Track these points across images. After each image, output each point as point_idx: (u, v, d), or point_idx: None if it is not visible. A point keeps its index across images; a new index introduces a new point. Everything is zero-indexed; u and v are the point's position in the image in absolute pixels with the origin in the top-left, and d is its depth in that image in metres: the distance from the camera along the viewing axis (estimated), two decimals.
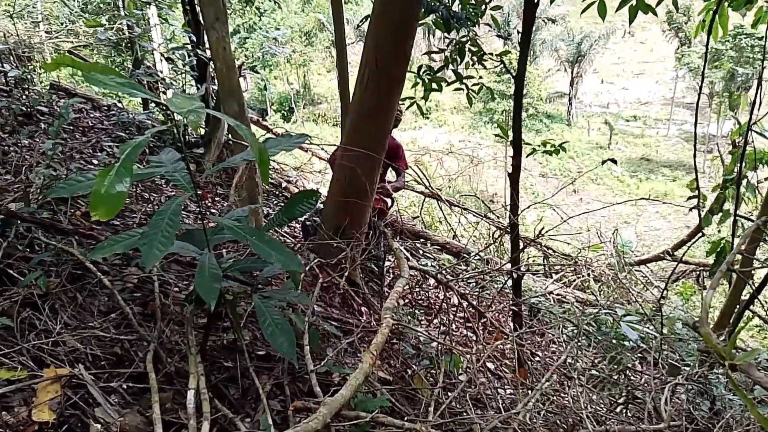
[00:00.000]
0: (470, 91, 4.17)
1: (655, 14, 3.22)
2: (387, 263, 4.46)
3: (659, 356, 3.00)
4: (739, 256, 3.16)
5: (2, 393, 1.79)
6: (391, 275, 4.67)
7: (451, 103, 50.01)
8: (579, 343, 3.19)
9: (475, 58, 4.01)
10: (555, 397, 2.59)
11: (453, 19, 3.55)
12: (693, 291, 7.00)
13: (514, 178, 3.42)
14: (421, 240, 6.43)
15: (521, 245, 3.86)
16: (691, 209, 4.30)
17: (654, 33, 62.62)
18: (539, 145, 3.76)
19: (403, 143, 4.93)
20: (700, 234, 3.25)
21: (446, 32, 3.56)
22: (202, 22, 5.23)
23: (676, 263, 6.36)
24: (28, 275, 2.37)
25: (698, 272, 7.41)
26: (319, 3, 49.73)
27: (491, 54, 3.96)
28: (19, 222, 2.67)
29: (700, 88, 3.48)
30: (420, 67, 4.05)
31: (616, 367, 2.99)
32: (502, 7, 4.02)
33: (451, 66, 4.14)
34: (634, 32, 66.15)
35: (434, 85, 4.27)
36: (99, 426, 1.72)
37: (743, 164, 3.43)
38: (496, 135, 3.84)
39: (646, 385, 2.77)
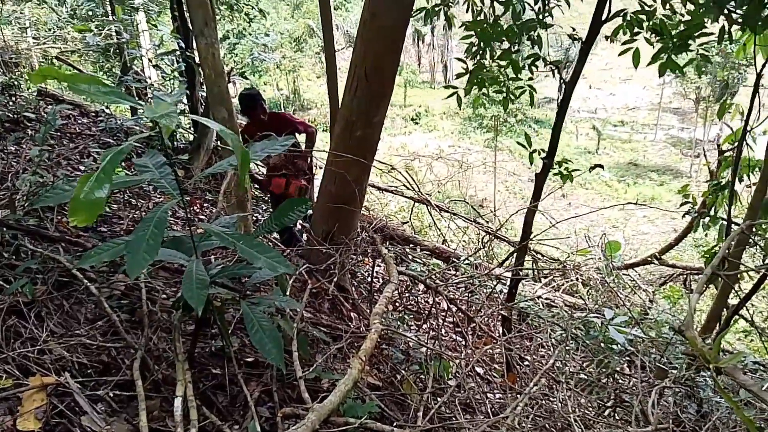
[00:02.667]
0: (510, 94, 4.16)
1: (683, 74, 3.36)
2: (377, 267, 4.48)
3: (647, 360, 3.02)
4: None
5: None
6: (380, 280, 4.67)
7: (440, 108, 50.17)
8: (567, 347, 3.20)
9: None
10: (543, 401, 2.60)
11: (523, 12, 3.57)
12: (680, 294, 7.05)
13: (540, 179, 3.63)
14: (411, 245, 6.44)
15: (511, 250, 3.91)
16: (684, 215, 4.36)
17: (641, 39, 63.10)
18: (560, 164, 3.86)
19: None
20: (721, 241, 3.31)
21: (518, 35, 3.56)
22: (191, 27, 5.23)
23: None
24: (14, 283, 2.35)
25: (685, 276, 7.46)
26: (309, 9, 49.82)
27: (545, 59, 3.96)
28: (4, 229, 2.65)
29: (749, 111, 3.48)
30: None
31: (604, 370, 3.00)
32: (553, 26, 4.01)
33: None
34: (621, 38, 66.58)
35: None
36: None
37: (737, 170, 3.51)
38: (519, 144, 3.88)
39: (633, 388, 2.79)
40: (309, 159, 5.08)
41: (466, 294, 4.25)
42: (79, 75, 1.50)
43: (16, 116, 4.93)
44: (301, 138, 4.93)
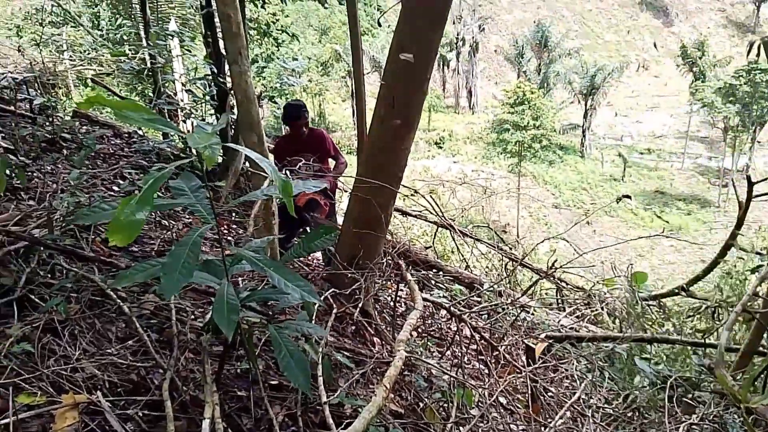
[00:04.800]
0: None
1: None
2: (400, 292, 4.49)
3: (674, 394, 2.96)
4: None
5: (22, 418, 1.82)
6: (403, 305, 4.68)
7: (464, 133, 50.32)
8: (594, 379, 3.17)
9: None
10: None
11: None
12: (706, 331, 6.90)
13: None
14: (434, 270, 6.43)
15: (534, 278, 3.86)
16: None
17: (668, 67, 63.01)
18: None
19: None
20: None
21: None
22: (223, 53, 5.37)
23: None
24: (49, 301, 2.42)
25: (713, 309, 7.30)
26: (336, 35, 50.74)
27: None
28: (41, 248, 2.73)
29: None
30: None
31: (632, 404, 2.96)
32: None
33: None
34: (648, 66, 66.60)
35: None
36: None
37: None
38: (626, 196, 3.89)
39: (660, 424, 2.73)
40: (333, 182, 5.16)
41: (489, 322, 4.23)
42: (125, 102, 1.57)
43: (53, 137, 5.09)
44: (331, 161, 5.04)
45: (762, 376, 2.82)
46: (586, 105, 46.84)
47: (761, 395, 1.43)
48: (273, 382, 2.57)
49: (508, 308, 4.45)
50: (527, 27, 58.27)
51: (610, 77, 45.67)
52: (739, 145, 43.03)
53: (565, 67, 49.35)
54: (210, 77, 6.06)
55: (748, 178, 5.28)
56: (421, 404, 2.94)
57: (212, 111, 6.63)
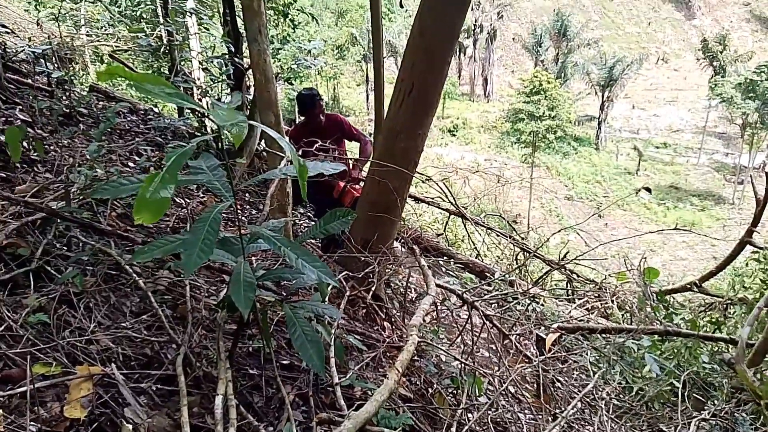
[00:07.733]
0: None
1: None
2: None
3: (685, 391, 2.95)
4: None
5: (37, 387, 1.84)
6: (413, 291, 4.67)
7: (478, 121, 50.04)
8: (604, 371, 3.15)
9: None
10: (577, 426, 2.56)
11: None
12: (719, 325, 6.85)
13: None
14: (445, 257, 6.42)
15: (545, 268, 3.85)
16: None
17: (688, 61, 62.16)
18: None
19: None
20: None
21: None
22: (242, 33, 5.35)
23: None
24: (65, 273, 2.43)
25: (725, 305, 7.25)
26: (353, 18, 50.38)
27: None
28: (58, 220, 2.74)
29: None
30: None
31: (642, 397, 2.94)
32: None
33: None
34: (668, 59, 65.71)
35: None
36: (130, 426, 1.75)
37: None
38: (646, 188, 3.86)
39: (671, 419, 2.72)
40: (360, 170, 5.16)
41: (501, 311, 4.22)
42: (145, 75, 1.56)
43: (69, 111, 5.09)
44: (355, 144, 5.04)
45: None
46: (603, 97, 46.36)
47: None
48: (285, 362, 2.58)
49: (519, 298, 4.44)
50: (547, 15, 57.65)
51: (628, 69, 45.14)
52: (757, 143, 42.50)
53: (583, 57, 48.83)
54: (227, 56, 6.04)
55: (767, 175, 5.21)
56: (431, 390, 2.94)
57: (228, 90, 6.62)
